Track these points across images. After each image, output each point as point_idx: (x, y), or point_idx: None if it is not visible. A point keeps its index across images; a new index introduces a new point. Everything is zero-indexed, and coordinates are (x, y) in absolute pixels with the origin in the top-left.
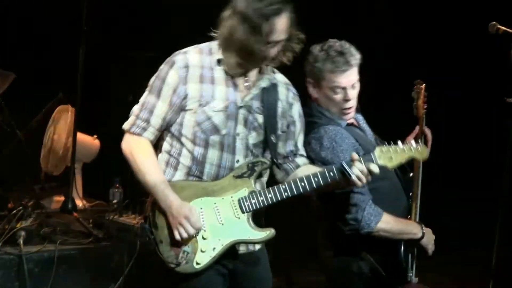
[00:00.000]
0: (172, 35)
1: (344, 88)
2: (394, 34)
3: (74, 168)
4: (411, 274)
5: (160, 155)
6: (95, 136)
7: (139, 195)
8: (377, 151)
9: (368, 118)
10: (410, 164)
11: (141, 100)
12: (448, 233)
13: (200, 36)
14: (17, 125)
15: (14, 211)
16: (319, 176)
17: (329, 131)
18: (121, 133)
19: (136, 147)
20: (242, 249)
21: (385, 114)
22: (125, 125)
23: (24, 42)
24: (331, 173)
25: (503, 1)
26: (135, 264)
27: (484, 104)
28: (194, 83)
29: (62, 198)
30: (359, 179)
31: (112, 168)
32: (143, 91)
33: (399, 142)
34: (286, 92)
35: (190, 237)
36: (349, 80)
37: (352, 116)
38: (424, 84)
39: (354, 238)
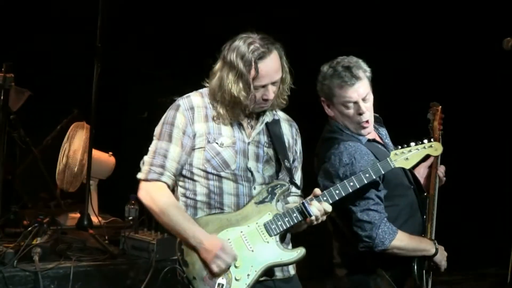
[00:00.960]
0: (187, 53)
1: (355, 102)
2: (406, 53)
3: (90, 185)
4: None
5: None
6: (111, 152)
7: None
8: (392, 155)
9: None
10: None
11: (151, 148)
12: (462, 251)
13: (214, 54)
14: (33, 142)
15: (30, 228)
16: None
17: (349, 147)
18: (137, 149)
19: (155, 192)
20: (278, 274)
21: (400, 136)
22: (140, 175)
23: (39, 59)
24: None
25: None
26: (150, 281)
27: (500, 120)
28: (200, 122)
29: (77, 215)
30: (317, 219)
31: (128, 185)
32: (158, 108)
33: (412, 143)
34: (289, 128)
35: (227, 268)
36: (358, 94)
37: (370, 130)
38: (440, 106)
39: (368, 255)
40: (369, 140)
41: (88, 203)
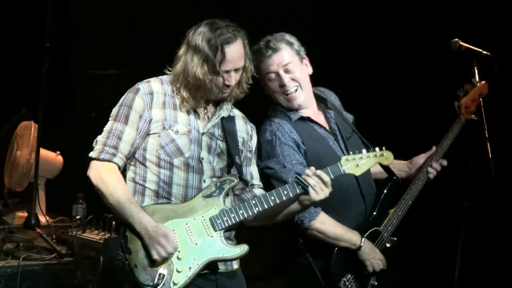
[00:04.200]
0: (135, 53)
1: (276, 73)
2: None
3: (37, 184)
4: (344, 280)
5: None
6: (58, 152)
7: (102, 211)
8: (343, 160)
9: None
10: None
11: (106, 129)
12: (411, 246)
13: (163, 54)
14: None
15: None
16: (288, 189)
17: (273, 124)
18: (84, 148)
19: (106, 172)
20: (221, 268)
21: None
22: (92, 154)
23: None
24: (295, 187)
25: (464, 18)
26: (98, 280)
27: (447, 121)
28: (158, 108)
29: (25, 214)
30: (315, 190)
31: (75, 184)
32: (106, 108)
33: (364, 150)
34: (244, 125)
35: (167, 258)
36: (277, 64)
37: (300, 102)
38: (482, 83)
39: (300, 240)
40: (302, 118)
41: (36, 202)
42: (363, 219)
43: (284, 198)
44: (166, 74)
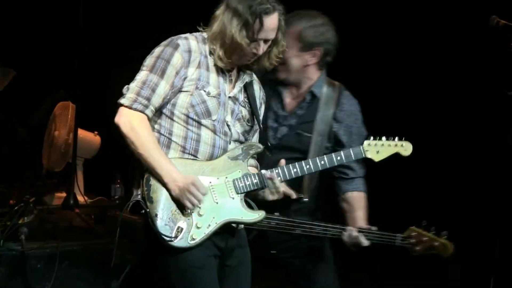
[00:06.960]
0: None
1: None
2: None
3: (76, 164)
4: None
5: None
6: (96, 132)
7: None
8: (365, 144)
9: None
10: None
11: (140, 78)
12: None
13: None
14: (18, 122)
15: (16, 207)
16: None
17: None
18: None
19: (138, 123)
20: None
21: None
22: (124, 101)
23: (24, 38)
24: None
25: None
26: (137, 260)
27: (484, 97)
28: (194, 67)
29: (63, 194)
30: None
31: (113, 164)
32: None
33: (384, 137)
34: (259, 91)
35: (188, 212)
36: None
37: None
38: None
39: None
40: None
41: (74, 182)
42: None
43: (307, 173)
44: (199, 31)
